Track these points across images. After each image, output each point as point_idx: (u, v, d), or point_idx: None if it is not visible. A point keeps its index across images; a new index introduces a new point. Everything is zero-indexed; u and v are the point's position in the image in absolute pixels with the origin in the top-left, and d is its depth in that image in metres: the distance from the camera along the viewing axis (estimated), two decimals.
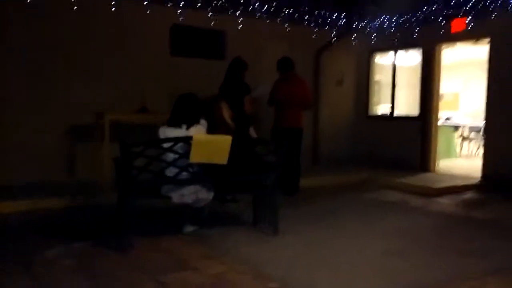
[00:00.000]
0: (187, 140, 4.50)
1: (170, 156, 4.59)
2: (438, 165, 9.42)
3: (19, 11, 6.74)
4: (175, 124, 4.85)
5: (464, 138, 12.22)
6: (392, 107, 10.01)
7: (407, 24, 8.94)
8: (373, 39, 9.56)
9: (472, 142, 12.08)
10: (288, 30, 8.93)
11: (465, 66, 13.92)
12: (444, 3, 8.17)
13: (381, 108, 10.71)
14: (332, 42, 9.64)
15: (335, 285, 3.74)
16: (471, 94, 14.41)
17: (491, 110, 8.25)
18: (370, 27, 9.41)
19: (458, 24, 8.32)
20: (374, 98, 10.64)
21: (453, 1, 8.06)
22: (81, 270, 3.95)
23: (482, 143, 9.48)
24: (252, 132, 6.40)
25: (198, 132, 4.78)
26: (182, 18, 7.83)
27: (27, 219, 5.51)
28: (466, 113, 14.36)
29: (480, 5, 7.79)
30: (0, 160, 6.67)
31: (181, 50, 8.18)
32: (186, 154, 4.50)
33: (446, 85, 12.30)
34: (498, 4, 7.59)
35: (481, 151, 9.20)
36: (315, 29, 9.32)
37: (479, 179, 8.25)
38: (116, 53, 7.52)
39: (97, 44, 7.38)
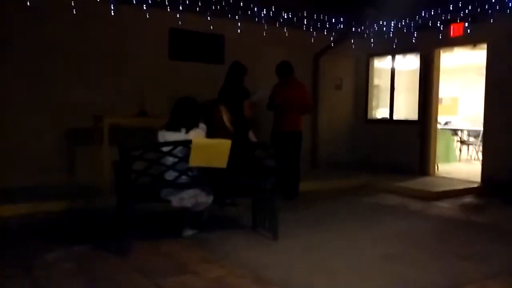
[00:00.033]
0: (187, 143, 4.50)
1: (170, 160, 4.59)
2: (437, 169, 9.44)
3: (20, 13, 6.75)
4: (174, 128, 4.85)
5: (463, 142, 12.23)
6: (391, 111, 10.03)
7: (406, 29, 8.97)
8: (372, 43, 9.59)
9: (471, 146, 12.09)
10: (287, 34, 8.95)
11: (463, 71, 13.98)
12: (443, 8, 8.19)
13: (380, 112, 10.73)
14: (331, 46, 9.66)
15: None
16: (470, 98, 14.45)
17: (490, 114, 8.27)
18: (369, 31, 9.44)
19: (458, 29, 8.37)
20: (373, 102, 10.68)
21: (452, 6, 8.08)
22: (81, 273, 3.95)
23: (481, 147, 9.49)
24: (252, 136, 6.41)
25: (197, 136, 4.78)
26: (181, 22, 7.86)
27: (27, 222, 5.51)
28: (465, 117, 14.39)
29: (478, 10, 7.81)
30: (0, 163, 6.67)
31: (180, 54, 8.20)
32: (185, 158, 4.50)
33: (445, 89, 12.35)
34: (497, 8, 7.61)
35: (480, 155, 9.21)
36: (314, 33, 9.34)
37: (478, 183, 8.26)
38: (115, 57, 7.54)
39: (96, 47, 7.41)
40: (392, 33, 9.22)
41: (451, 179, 8.80)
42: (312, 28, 9.21)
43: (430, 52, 9.13)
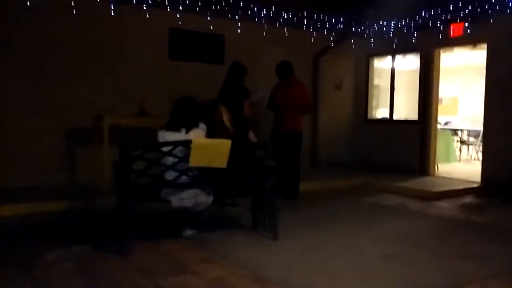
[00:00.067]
0: (187, 143, 4.50)
1: (170, 160, 4.59)
2: (437, 169, 9.44)
3: (20, 13, 6.75)
4: (174, 128, 4.84)
5: (463, 142, 12.24)
6: (391, 111, 10.04)
7: (406, 29, 8.97)
8: (372, 43, 9.59)
9: (471, 146, 12.09)
10: (287, 34, 8.96)
11: (463, 71, 13.98)
12: (443, 8, 8.19)
13: (380, 112, 10.73)
14: (331, 46, 9.67)
15: None
16: (470, 98, 14.45)
17: (490, 114, 8.27)
18: (369, 31, 9.44)
19: (458, 29, 8.37)
20: (373, 102, 10.68)
21: (452, 6, 8.08)
22: (81, 273, 3.95)
23: (481, 147, 9.49)
24: (252, 136, 6.41)
25: (197, 136, 4.78)
26: (181, 22, 7.86)
27: (27, 222, 5.51)
28: (465, 117, 14.39)
29: (478, 10, 7.81)
30: (0, 163, 6.67)
31: (180, 54, 8.20)
32: (185, 158, 4.50)
33: (445, 89, 12.35)
34: (497, 8, 7.61)
35: (480, 155, 9.21)
36: (314, 33, 9.35)
37: (478, 183, 8.27)
38: (115, 57, 7.55)
39: (96, 47, 7.41)
40: (392, 33, 9.22)
41: (451, 179, 8.80)
42: (312, 28, 9.22)
43: (430, 52, 9.13)
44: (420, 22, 8.69)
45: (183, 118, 4.88)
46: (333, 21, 9.03)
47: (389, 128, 9.99)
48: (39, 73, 6.98)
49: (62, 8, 7.00)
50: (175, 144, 4.52)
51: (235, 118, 6.04)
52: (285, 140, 6.73)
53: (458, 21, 8.31)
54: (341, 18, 9.01)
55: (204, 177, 4.79)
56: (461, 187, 8.10)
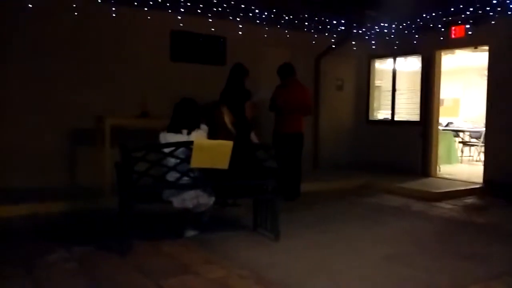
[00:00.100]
0: (188, 145, 4.51)
1: (171, 161, 4.60)
2: (439, 170, 9.43)
3: (20, 13, 6.75)
4: (176, 129, 4.85)
5: (464, 143, 12.23)
6: (393, 112, 10.03)
7: (407, 31, 8.97)
8: (373, 45, 9.59)
9: (473, 147, 12.09)
10: (289, 36, 8.97)
11: (465, 72, 13.98)
12: (444, 10, 8.19)
13: (382, 113, 10.73)
14: (333, 47, 9.68)
15: None
16: (471, 100, 14.45)
17: (491, 116, 8.26)
18: (370, 33, 9.44)
19: (459, 31, 8.38)
20: (374, 103, 10.68)
21: (453, 8, 8.08)
22: (82, 274, 3.96)
23: (483, 148, 9.49)
24: (254, 137, 6.42)
25: (199, 137, 4.79)
26: (182, 24, 7.88)
27: (28, 223, 5.52)
28: (467, 118, 14.38)
29: (480, 12, 7.81)
30: (0, 163, 6.68)
31: (181, 55, 8.21)
32: (187, 159, 4.51)
33: (446, 90, 12.35)
34: (498, 10, 7.61)
35: (482, 156, 9.20)
36: (315, 35, 9.36)
37: (480, 184, 8.25)
38: (116, 58, 7.56)
39: (97, 48, 7.43)
40: (393, 35, 9.22)
41: (453, 180, 8.79)
42: (313, 30, 9.24)
43: (431, 54, 9.13)
44: (421, 23, 8.69)
45: (184, 120, 4.89)
46: (334, 22, 9.03)
47: (390, 129, 9.99)
48: (39, 73, 6.99)
49: (63, 7, 7.01)
50: (177, 145, 4.53)
51: (236, 119, 6.05)
52: (286, 142, 6.74)
53: (460, 23, 8.31)
54: (342, 20, 9.01)
55: (206, 178, 4.80)
56: (462, 188, 8.09)
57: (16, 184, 6.65)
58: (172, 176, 4.63)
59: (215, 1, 7.64)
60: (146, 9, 7.50)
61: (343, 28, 9.22)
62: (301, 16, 8.68)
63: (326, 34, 9.44)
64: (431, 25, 8.60)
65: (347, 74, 10.54)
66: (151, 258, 4.37)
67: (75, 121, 7.20)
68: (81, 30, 7.25)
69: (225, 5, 7.80)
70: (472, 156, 12.08)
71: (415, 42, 9.00)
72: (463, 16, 8.14)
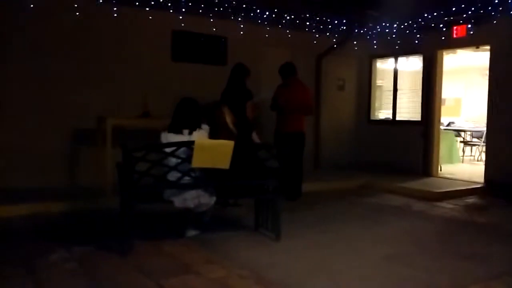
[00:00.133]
0: (189, 144, 4.51)
1: (173, 161, 4.60)
2: (440, 170, 9.43)
3: (20, 13, 6.77)
4: (177, 129, 4.85)
5: (466, 143, 12.22)
6: (394, 112, 10.03)
7: (408, 30, 8.97)
8: (375, 45, 9.59)
9: (475, 147, 12.08)
10: (290, 36, 8.97)
11: (467, 72, 13.97)
12: (445, 10, 8.18)
13: (383, 113, 10.73)
14: (334, 47, 9.68)
15: None
16: (473, 99, 14.43)
17: (493, 115, 8.26)
18: (372, 33, 9.44)
19: (460, 30, 8.37)
20: (375, 103, 10.68)
21: (454, 8, 8.08)
22: (83, 274, 3.97)
23: (484, 148, 9.48)
24: (255, 137, 6.42)
25: (200, 137, 4.80)
26: (183, 24, 7.88)
27: (28, 223, 5.53)
28: (468, 118, 14.37)
29: (481, 12, 7.80)
30: (1, 163, 6.69)
31: (182, 55, 8.22)
32: (188, 159, 4.52)
33: (448, 90, 12.34)
34: (499, 10, 7.60)
35: (484, 156, 9.20)
36: (316, 34, 9.36)
37: (481, 183, 8.25)
38: (117, 58, 7.57)
39: (98, 48, 7.44)
40: (394, 35, 9.21)
41: (454, 180, 8.79)
42: (314, 30, 9.24)
43: (432, 54, 9.12)
44: (422, 23, 8.69)
45: (185, 120, 4.89)
46: (336, 22, 9.04)
47: (392, 129, 9.98)
48: (40, 73, 7.00)
49: (65, 8, 7.02)
50: (178, 145, 4.54)
51: (238, 119, 6.05)
52: (288, 141, 6.75)
53: (461, 22, 8.30)
54: (344, 20, 9.02)
55: (207, 178, 4.80)
56: (463, 187, 8.09)
57: (16, 184, 6.65)
58: (173, 176, 4.63)
59: (216, 1, 7.66)
60: (147, 9, 7.51)
61: (344, 28, 9.22)
62: (302, 16, 8.69)
63: (327, 34, 9.44)
64: (433, 25, 8.60)
65: (349, 74, 10.54)
66: (152, 258, 4.38)
67: (76, 121, 7.21)
68: (82, 30, 7.26)
69: (226, 5, 7.83)
70: (474, 156, 12.08)
71: (416, 41, 9.00)
72: (464, 15, 8.14)
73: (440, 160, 9.49)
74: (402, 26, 8.94)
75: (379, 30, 9.22)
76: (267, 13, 8.27)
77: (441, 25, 8.52)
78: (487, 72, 8.45)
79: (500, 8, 7.58)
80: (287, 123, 7.03)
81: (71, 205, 6.19)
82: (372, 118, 10.59)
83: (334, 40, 9.64)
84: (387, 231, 5.58)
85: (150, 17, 7.59)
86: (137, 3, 7.39)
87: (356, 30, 9.36)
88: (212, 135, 5.07)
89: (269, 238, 5.01)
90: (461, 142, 12.31)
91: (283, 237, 4.94)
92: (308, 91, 7.33)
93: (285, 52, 8.63)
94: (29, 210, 5.88)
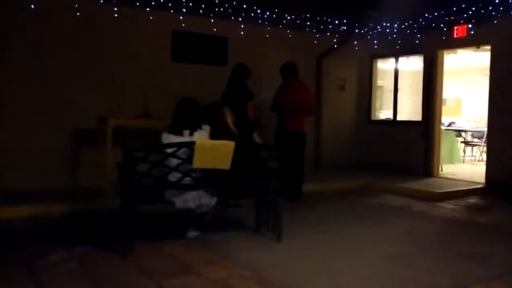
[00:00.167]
0: (190, 145, 4.51)
1: (173, 161, 4.59)
2: (441, 170, 9.42)
3: (21, 13, 6.76)
4: (178, 130, 4.84)
5: (467, 143, 12.21)
6: (395, 112, 10.03)
7: (409, 30, 8.96)
8: (375, 45, 9.58)
9: (475, 147, 12.07)
10: (290, 36, 8.97)
11: (467, 72, 13.96)
12: (446, 10, 8.18)
13: (384, 113, 10.73)
14: (335, 47, 9.67)
15: None
16: (474, 99, 14.42)
17: (494, 115, 8.25)
18: (372, 33, 9.43)
19: (461, 30, 8.36)
20: (376, 103, 10.67)
21: (455, 8, 8.07)
22: (83, 274, 3.96)
23: (485, 148, 9.48)
24: (257, 138, 6.41)
25: (201, 137, 4.79)
26: (184, 24, 7.88)
27: (29, 225, 5.52)
28: (469, 118, 14.36)
29: (482, 11, 7.79)
30: (1, 164, 6.68)
31: (183, 55, 8.22)
32: (189, 159, 4.51)
33: (449, 90, 12.34)
34: (500, 9, 7.59)
35: (484, 156, 9.20)
36: (317, 35, 9.36)
37: (482, 184, 8.24)
38: (117, 58, 7.57)
39: (99, 48, 7.44)
40: (395, 35, 9.21)
41: (455, 180, 8.78)
42: (315, 30, 9.23)
43: (433, 54, 9.12)
44: (423, 23, 8.68)
45: (186, 120, 4.88)
46: (336, 22, 9.03)
47: (392, 129, 9.98)
48: (40, 73, 6.99)
49: (65, 8, 7.01)
50: (179, 145, 4.53)
51: (238, 120, 6.05)
52: (288, 142, 6.74)
53: (462, 22, 8.30)
54: (344, 20, 9.01)
55: (208, 179, 4.79)
56: (465, 188, 8.08)
57: (16, 184, 6.64)
58: (174, 176, 4.63)
59: (217, 1, 7.65)
60: (148, 9, 7.50)
61: (344, 28, 9.21)
62: (302, 16, 8.68)
63: (328, 34, 9.44)
64: (433, 25, 8.59)
65: (349, 74, 10.54)
66: (152, 258, 4.37)
67: (76, 121, 7.20)
68: (82, 30, 7.26)
69: (226, 5, 7.82)
70: (475, 156, 12.07)
71: (417, 41, 8.99)
72: (465, 15, 8.13)
73: (441, 160, 9.49)
74: (403, 26, 8.92)
75: (379, 30, 9.21)
76: (267, 13, 8.26)
77: (441, 25, 8.51)
78: (488, 72, 8.44)
79: (501, 8, 7.57)
80: (288, 123, 7.02)
81: (71, 206, 6.18)
82: (372, 118, 10.58)
83: (335, 40, 9.64)
84: (388, 231, 5.57)
85: (151, 17, 7.59)
86: (137, 3, 7.38)
87: (357, 30, 9.35)
88: (213, 136, 5.06)
89: (270, 238, 5.01)
90: (462, 142, 12.29)
91: (284, 237, 4.94)
92: (309, 91, 7.33)
93: (286, 52, 8.62)
94: (29, 211, 5.85)
